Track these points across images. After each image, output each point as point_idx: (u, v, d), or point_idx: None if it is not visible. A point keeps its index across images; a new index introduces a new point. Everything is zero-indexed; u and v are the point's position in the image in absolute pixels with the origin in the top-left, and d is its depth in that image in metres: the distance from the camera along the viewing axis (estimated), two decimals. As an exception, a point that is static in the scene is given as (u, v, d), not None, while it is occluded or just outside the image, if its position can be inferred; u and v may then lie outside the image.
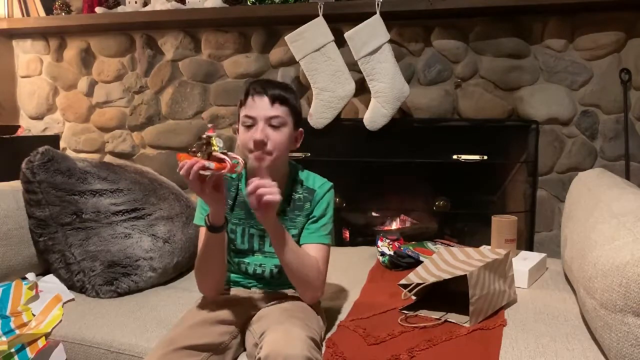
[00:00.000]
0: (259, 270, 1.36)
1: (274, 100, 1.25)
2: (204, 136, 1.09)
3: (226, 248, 1.29)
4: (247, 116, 1.26)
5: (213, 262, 1.27)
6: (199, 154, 1.09)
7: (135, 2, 2.48)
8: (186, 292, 1.60)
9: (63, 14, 2.56)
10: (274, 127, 1.25)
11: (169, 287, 1.68)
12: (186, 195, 1.99)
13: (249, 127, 1.26)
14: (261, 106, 1.25)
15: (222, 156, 1.08)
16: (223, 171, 1.08)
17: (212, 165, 1.07)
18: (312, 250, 1.30)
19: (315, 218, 1.33)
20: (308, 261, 1.26)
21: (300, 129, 1.35)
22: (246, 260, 1.36)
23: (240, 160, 1.11)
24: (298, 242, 1.31)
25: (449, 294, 1.39)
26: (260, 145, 1.24)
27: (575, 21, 2.14)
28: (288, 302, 1.29)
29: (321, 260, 1.30)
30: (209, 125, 1.13)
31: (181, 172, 1.09)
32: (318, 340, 1.17)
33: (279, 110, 1.26)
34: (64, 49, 2.74)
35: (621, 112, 2.13)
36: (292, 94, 1.30)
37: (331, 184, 1.39)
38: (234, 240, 1.36)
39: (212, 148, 1.09)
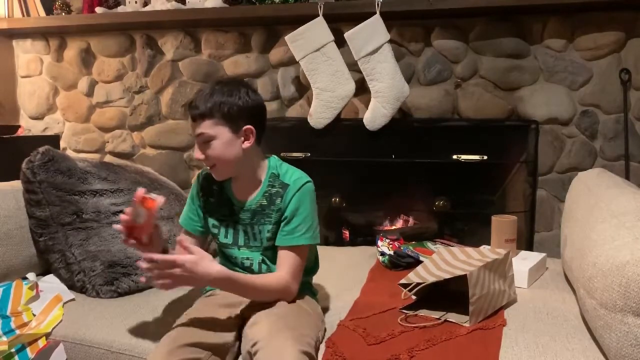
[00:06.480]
0: (247, 263, 1.37)
1: (194, 119, 1.29)
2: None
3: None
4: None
5: None
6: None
7: (135, 2, 2.48)
8: (186, 292, 1.60)
9: (63, 14, 2.56)
10: (205, 144, 1.29)
11: (169, 287, 1.68)
12: (186, 196, 1.99)
13: None
14: (192, 127, 1.32)
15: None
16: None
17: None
18: (283, 255, 1.31)
19: (287, 219, 1.31)
20: (269, 287, 1.27)
21: (246, 126, 1.29)
22: (234, 253, 1.38)
23: (156, 197, 1.22)
24: (274, 236, 1.33)
25: (449, 294, 1.39)
26: (202, 162, 1.31)
27: (575, 21, 2.13)
28: (283, 306, 1.27)
29: (292, 266, 1.29)
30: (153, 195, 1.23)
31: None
32: (313, 350, 1.15)
33: (201, 128, 1.28)
34: (64, 49, 2.74)
35: (621, 112, 2.13)
36: (215, 102, 1.26)
37: (308, 179, 1.34)
38: (217, 235, 1.39)
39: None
